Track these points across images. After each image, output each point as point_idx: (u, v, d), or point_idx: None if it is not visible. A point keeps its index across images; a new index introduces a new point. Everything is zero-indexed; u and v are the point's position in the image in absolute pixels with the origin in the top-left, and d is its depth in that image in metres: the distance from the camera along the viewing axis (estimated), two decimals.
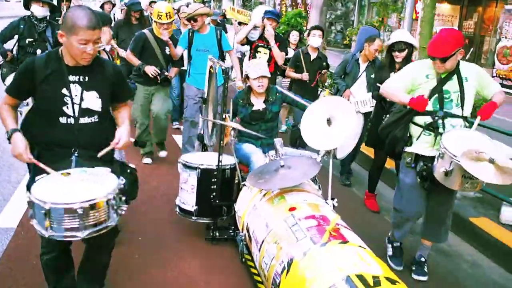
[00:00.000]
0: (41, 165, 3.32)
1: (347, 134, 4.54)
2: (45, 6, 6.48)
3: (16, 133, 3.37)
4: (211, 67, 5.40)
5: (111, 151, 3.65)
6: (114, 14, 11.64)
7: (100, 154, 3.49)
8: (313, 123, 4.54)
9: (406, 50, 5.93)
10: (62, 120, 3.46)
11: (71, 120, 3.47)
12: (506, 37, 16.27)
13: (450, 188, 4.26)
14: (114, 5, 11.76)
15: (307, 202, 4.02)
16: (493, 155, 3.90)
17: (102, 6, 11.20)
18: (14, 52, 6.46)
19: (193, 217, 4.95)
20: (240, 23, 12.61)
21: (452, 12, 20.17)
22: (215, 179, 4.84)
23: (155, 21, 7.00)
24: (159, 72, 6.92)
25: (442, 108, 4.38)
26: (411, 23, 20.37)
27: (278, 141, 4.78)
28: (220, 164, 4.79)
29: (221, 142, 4.86)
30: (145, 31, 7.09)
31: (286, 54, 8.07)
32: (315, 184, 4.76)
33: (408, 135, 4.56)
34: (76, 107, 3.47)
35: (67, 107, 3.45)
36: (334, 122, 4.53)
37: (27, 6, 6.51)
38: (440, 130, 4.36)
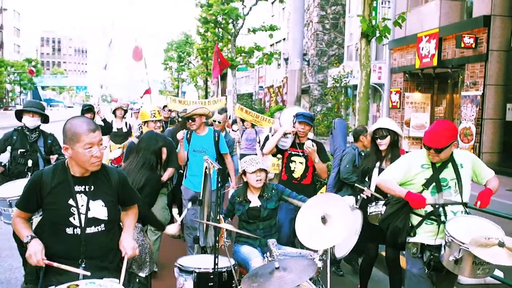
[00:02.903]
0: (55, 265, 3.09)
1: (344, 232, 3.97)
2: (36, 116, 5.99)
3: (33, 239, 3.14)
4: (206, 168, 4.85)
5: (119, 260, 3.37)
6: (127, 122, 10.59)
7: (121, 280, 3.19)
8: (308, 221, 4.04)
9: (388, 137, 5.30)
10: (69, 230, 3.20)
11: (78, 231, 3.21)
12: (465, 119, 16.46)
13: (463, 276, 3.83)
14: (125, 111, 10.95)
15: None
16: (501, 238, 3.54)
17: (114, 112, 10.58)
18: (5, 161, 5.94)
19: None
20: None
21: (424, 99, 20.31)
22: (212, 283, 4.18)
23: (145, 122, 6.58)
24: None
25: (441, 196, 4.00)
26: (388, 111, 20.70)
27: (271, 242, 4.19)
28: (216, 267, 4.16)
29: (217, 244, 4.26)
30: (133, 139, 6.61)
31: (327, 161, 6.35)
32: (317, 285, 4.14)
33: (410, 225, 4.10)
34: (83, 217, 3.22)
35: (74, 218, 3.21)
36: (329, 220, 3.99)
37: (19, 117, 6.05)
38: (442, 218, 3.96)
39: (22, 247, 5.38)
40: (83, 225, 3.21)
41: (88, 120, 3.27)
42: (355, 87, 20.60)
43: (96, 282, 3.01)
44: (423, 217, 4.05)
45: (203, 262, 4.38)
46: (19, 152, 5.90)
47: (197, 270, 4.25)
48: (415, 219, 4.10)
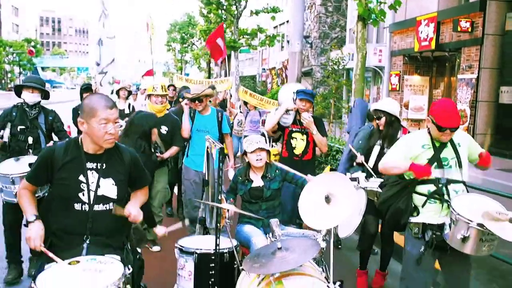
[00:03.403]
0: (50, 255, 3.00)
1: (348, 212, 3.80)
2: (36, 92, 5.63)
3: (37, 220, 3.13)
4: (207, 147, 4.67)
5: (123, 239, 3.35)
6: (130, 104, 9.98)
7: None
8: (311, 201, 3.88)
9: (383, 118, 5.22)
10: (77, 206, 3.16)
11: (86, 207, 3.17)
12: (460, 102, 16.47)
13: (467, 253, 3.69)
14: (129, 92, 10.59)
15: None
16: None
17: (117, 92, 10.03)
18: (6, 138, 5.58)
19: None
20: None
21: (423, 82, 20.20)
22: (213, 264, 4.03)
23: (149, 95, 6.37)
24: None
25: (443, 175, 3.90)
26: (388, 94, 20.60)
27: (274, 222, 4.01)
28: (218, 248, 4.00)
29: (218, 224, 4.10)
30: None
31: (324, 135, 6.17)
32: (320, 265, 3.98)
33: (412, 205, 3.99)
34: (92, 194, 3.18)
35: (83, 194, 3.17)
36: (333, 200, 3.83)
37: (18, 93, 5.71)
38: (445, 197, 3.85)
39: (9, 229, 5.35)
40: (91, 202, 3.17)
41: (107, 97, 3.22)
42: None
43: (96, 258, 2.95)
44: (427, 196, 3.93)
45: (204, 243, 4.24)
46: (18, 129, 5.58)
47: (198, 251, 4.11)
48: (418, 200, 3.98)
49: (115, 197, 3.25)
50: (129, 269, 2.96)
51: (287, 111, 5.96)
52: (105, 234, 3.22)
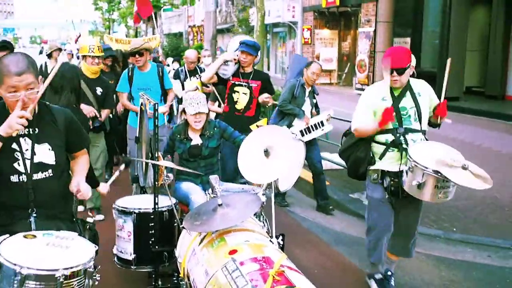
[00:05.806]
0: None
1: (288, 164, 3.37)
2: None
3: None
4: (141, 104, 4.00)
5: (71, 210, 2.79)
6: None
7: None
8: (250, 155, 3.39)
9: None
10: (14, 178, 2.53)
11: (23, 178, 2.54)
12: (361, 52, 16.94)
13: (424, 200, 3.51)
14: (60, 50, 9.39)
15: (249, 243, 2.82)
16: (465, 162, 3.31)
17: (50, 55, 8.94)
18: None
19: (132, 267, 3.59)
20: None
21: (332, 36, 20.25)
22: (153, 223, 3.51)
23: (83, 57, 5.34)
24: (95, 114, 5.09)
25: (402, 125, 3.59)
26: (301, 47, 20.51)
27: (213, 178, 3.47)
28: (156, 206, 3.48)
29: (156, 182, 3.56)
30: None
31: (272, 93, 5.46)
32: (260, 219, 3.56)
33: (371, 154, 3.70)
34: (28, 163, 2.54)
35: (18, 164, 2.53)
36: (272, 153, 3.37)
37: None
38: (404, 145, 3.55)
39: None
40: (29, 171, 2.55)
41: (21, 60, 2.43)
42: (274, 25, 20.42)
43: (53, 233, 2.40)
44: (386, 145, 3.61)
45: (142, 202, 3.69)
46: None
47: (136, 211, 3.57)
48: (377, 148, 3.67)
49: (54, 163, 2.61)
50: (96, 247, 2.40)
51: (225, 62, 5.22)
52: (50, 204, 2.62)
